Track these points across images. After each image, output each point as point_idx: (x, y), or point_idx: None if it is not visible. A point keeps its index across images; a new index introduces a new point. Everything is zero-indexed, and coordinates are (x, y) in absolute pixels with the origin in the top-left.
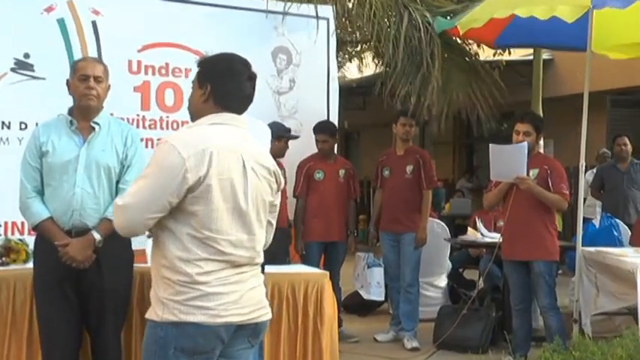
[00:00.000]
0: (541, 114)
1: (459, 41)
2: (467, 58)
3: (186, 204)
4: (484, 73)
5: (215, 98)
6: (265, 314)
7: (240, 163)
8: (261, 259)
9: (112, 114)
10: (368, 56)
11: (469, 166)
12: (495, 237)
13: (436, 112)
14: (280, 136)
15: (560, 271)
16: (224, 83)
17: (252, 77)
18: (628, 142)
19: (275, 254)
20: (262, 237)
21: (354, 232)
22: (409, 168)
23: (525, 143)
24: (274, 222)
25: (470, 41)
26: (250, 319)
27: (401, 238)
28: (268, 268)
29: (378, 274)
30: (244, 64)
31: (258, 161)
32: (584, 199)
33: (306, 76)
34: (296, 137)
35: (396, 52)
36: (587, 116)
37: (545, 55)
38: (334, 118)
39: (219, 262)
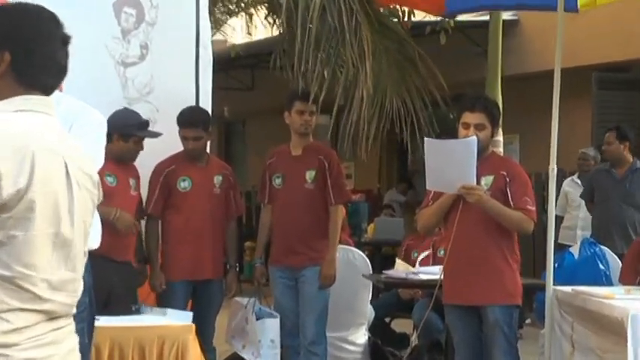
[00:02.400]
0: (499, 99)
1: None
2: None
3: None
4: (421, 54)
5: (17, 72)
6: None
7: (62, 171)
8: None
9: None
10: (259, 13)
11: (402, 172)
12: (435, 272)
13: (362, 96)
14: (127, 134)
15: (527, 321)
16: (30, 50)
17: (65, 40)
18: (614, 140)
19: (118, 298)
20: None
21: (236, 266)
22: (310, 174)
23: (474, 138)
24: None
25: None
26: None
27: (300, 275)
28: (105, 320)
29: (271, 328)
30: (53, 19)
31: (81, 168)
32: (559, 218)
33: (165, 40)
34: (156, 135)
35: (298, 6)
36: (561, 101)
37: (507, 15)
38: (206, 103)
39: (34, 312)
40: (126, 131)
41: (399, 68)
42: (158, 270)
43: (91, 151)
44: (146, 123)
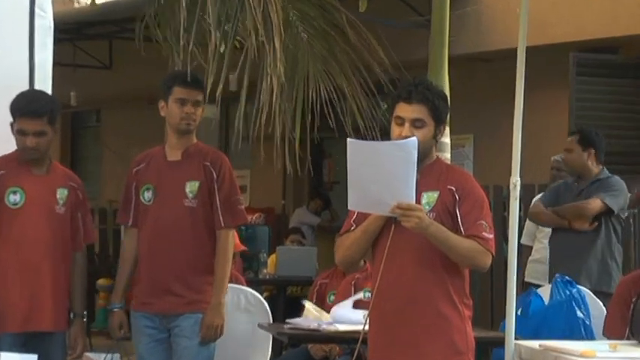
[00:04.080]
0: (447, 86)
1: None
2: None
3: None
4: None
5: None
6: None
7: None
8: None
9: None
10: None
11: (316, 185)
12: (357, 321)
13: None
14: None
15: None
16: None
17: None
18: (574, 142)
19: None
20: None
21: (84, 314)
22: (191, 187)
23: (414, 139)
24: None
25: None
26: None
27: (174, 325)
28: None
29: None
30: None
31: None
32: (526, 249)
33: None
34: None
35: None
36: (529, 90)
37: None
38: (44, 85)
39: None
40: None
41: (322, 41)
42: None
43: None
44: None
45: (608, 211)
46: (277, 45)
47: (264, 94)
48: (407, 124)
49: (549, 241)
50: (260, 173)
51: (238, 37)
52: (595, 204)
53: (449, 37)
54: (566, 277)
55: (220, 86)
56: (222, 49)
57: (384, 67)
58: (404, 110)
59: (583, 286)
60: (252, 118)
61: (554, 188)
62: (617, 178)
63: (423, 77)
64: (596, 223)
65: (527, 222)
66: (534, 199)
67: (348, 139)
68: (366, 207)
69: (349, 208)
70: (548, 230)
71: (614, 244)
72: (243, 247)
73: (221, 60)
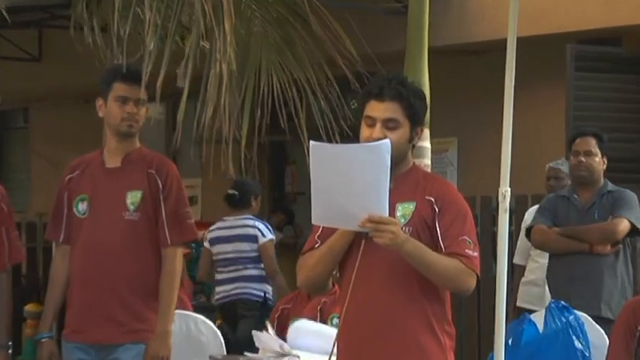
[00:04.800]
0: (426, 82)
1: None
2: None
3: None
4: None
5: None
6: None
7: None
8: None
9: None
10: None
11: (277, 195)
12: (323, 351)
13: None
14: None
15: None
16: None
17: None
18: (595, 145)
19: None
20: None
21: (9, 345)
22: (132, 197)
23: (387, 141)
24: None
25: None
26: None
27: (112, 357)
28: None
29: None
30: None
31: None
32: (518, 269)
33: None
34: None
35: None
36: (521, 87)
37: None
38: None
39: None
40: None
41: (279, 28)
42: None
43: None
44: None
45: (632, 232)
46: (227, 28)
47: (212, 85)
48: (378, 125)
49: (551, 261)
50: (212, 182)
51: (184, 25)
52: (623, 225)
53: (429, 25)
54: (562, 303)
55: (160, 78)
56: (165, 39)
57: (353, 60)
58: (375, 109)
59: (602, 314)
60: (200, 115)
61: (549, 202)
62: (629, 191)
63: (397, 72)
64: (619, 245)
65: (521, 238)
66: (527, 213)
67: (311, 142)
68: (333, 221)
69: (313, 222)
70: None
71: (629, 267)
72: (186, 250)
73: (161, 53)
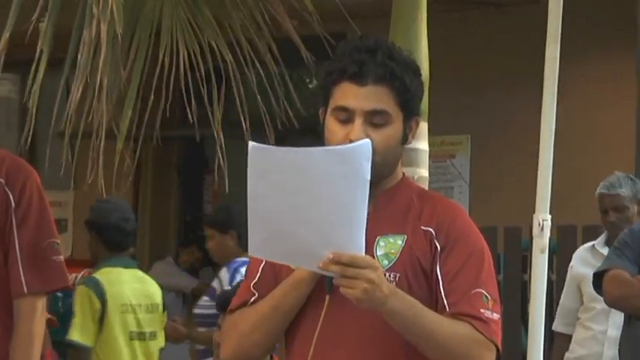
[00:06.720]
0: (424, 52)
1: None
2: None
3: None
4: None
5: None
6: None
7: None
8: None
9: None
10: None
11: (190, 221)
12: None
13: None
14: None
15: None
16: None
17: None
18: None
19: None
20: None
21: None
22: None
23: (367, 142)
24: None
25: None
26: None
27: None
28: None
29: None
30: None
31: None
32: (560, 337)
33: None
34: None
35: None
36: (567, 67)
37: None
38: None
39: None
40: None
41: None
42: None
43: None
44: None
45: None
46: None
47: (83, 52)
48: (358, 121)
49: (628, 329)
50: (90, 196)
51: None
52: None
53: None
54: None
55: (5, 37)
56: None
57: (307, 15)
58: (352, 96)
59: None
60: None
61: (632, 237)
62: None
63: (380, 36)
64: None
65: (565, 291)
66: (575, 255)
67: (251, 143)
68: (278, 254)
69: (250, 253)
70: (602, 307)
71: None
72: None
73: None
